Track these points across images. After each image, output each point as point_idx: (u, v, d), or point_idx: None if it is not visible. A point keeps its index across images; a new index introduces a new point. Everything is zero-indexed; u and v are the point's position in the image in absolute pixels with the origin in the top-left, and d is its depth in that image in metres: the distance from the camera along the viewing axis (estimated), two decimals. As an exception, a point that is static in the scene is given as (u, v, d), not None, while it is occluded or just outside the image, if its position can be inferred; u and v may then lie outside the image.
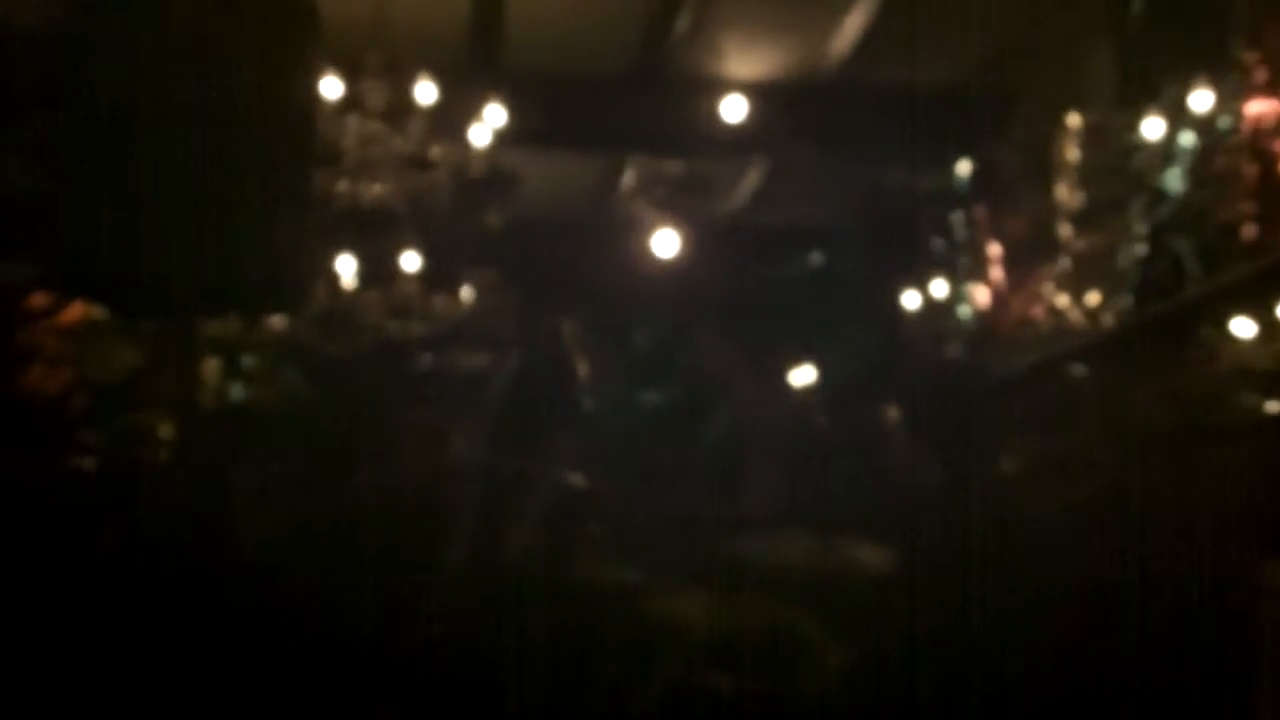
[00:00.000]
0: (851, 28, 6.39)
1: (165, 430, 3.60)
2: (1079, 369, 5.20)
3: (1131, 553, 3.80)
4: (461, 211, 5.78)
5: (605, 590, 3.92)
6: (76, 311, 3.62)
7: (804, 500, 4.52)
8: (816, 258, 7.76)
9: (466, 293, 5.99)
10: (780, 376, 5.96)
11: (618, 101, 6.73)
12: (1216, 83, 5.09)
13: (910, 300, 6.88)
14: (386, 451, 4.07)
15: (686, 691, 3.69)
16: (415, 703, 3.45)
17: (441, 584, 3.75)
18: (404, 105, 5.73)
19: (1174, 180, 5.34)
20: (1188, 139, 5.27)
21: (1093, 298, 5.74)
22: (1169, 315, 5.06)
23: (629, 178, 7.71)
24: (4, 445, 3.28)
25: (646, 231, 7.21)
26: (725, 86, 6.70)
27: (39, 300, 3.52)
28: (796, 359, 5.99)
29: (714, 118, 6.66)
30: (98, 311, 3.63)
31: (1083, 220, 5.81)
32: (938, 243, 6.69)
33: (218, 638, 2.99)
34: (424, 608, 3.62)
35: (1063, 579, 3.81)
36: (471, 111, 5.83)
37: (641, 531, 4.23)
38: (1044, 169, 5.84)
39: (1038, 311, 6.08)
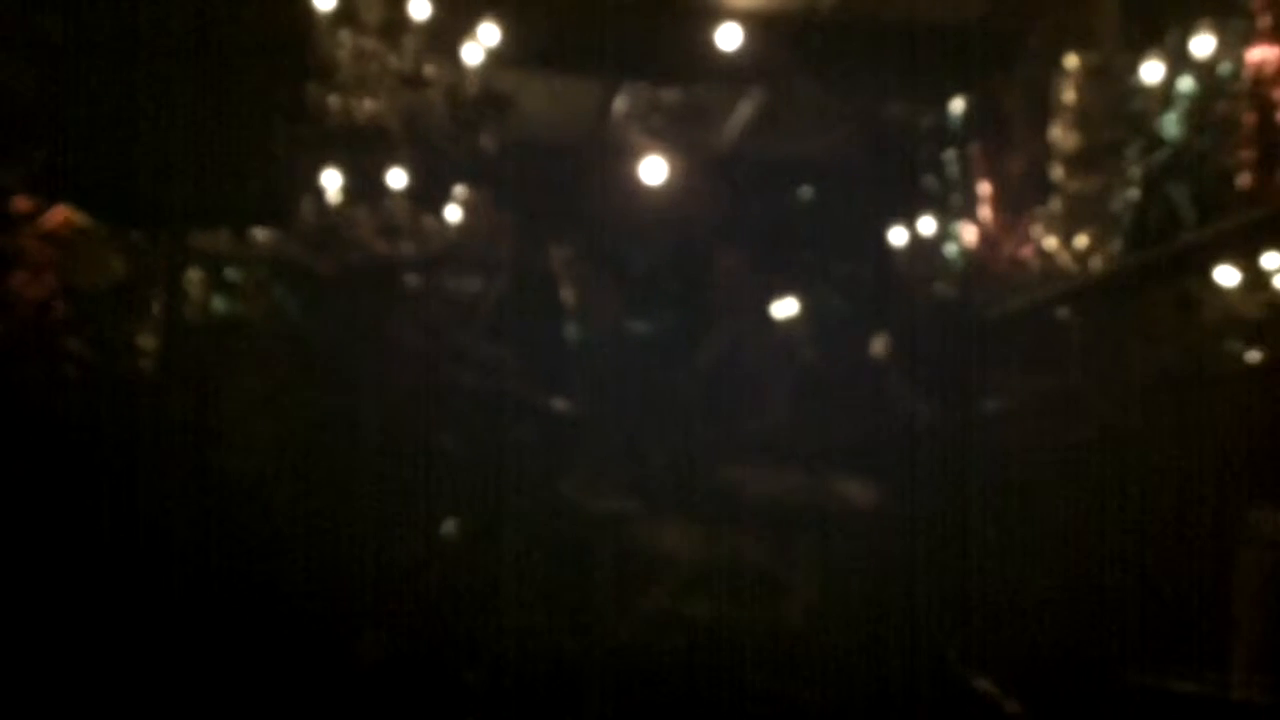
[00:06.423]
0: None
1: (149, 342, 3.56)
2: (1069, 312, 5.18)
3: (1116, 495, 3.82)
4: (455, 132, 5.71)
5: (594, 518, 3.92)
6: (60, 217, 3.57)
7: (795, 434, 4.51)
8: (810, 191, 7.71)
9: (457, 214, 5.93)
10: (771, 310, 5.93)
11: (615, 26, 6.64)
12: (1220, 27, 5.03)
13: (902, 237, 6.85)
14: (374, 370, 4.04)
15: (671, 620, 3.70)
16: (401, 625, 3.45)
17: (427, 506, 3.74)
18: (399, 21, 5.64)
19: (1172, 125, 5.29)
20: (1187, 84, 5.21)
21: (1084, 241, 5.71)
22: (1161, 261, 5.04)
23: (624, 104, 7.63)
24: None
25: (640, 159, 7.14)
26: (724, 14, 6.61)
27: (22, 204, 3.46)
28: (788, 293, 5.96)
29: (711, 46, 6.58)
30: (82, 219, 3.58)
31: (1078, 163, 5.76)
32: (932, 180, 6.65)
33: (203, 551, 2.97)
34: (410, 530, 3.61)
35: (1049, 519, 3.82)
36: (467, 30, 5.75)
37: (631, 460, 4.21)
38: (1043, 109, 5.78)
39: (1028, 253, 6.05)
